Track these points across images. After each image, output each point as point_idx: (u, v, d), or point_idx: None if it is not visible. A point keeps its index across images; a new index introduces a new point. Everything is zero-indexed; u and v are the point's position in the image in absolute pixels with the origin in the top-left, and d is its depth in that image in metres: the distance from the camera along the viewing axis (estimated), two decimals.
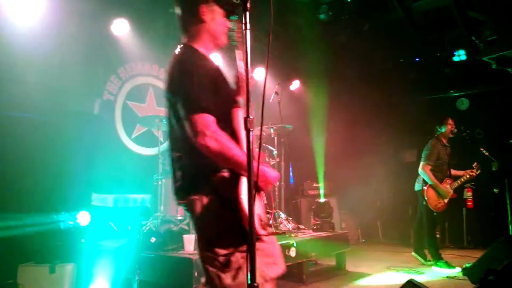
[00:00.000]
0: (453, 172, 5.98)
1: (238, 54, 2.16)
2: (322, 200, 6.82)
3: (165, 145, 6.66)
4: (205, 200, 1.87)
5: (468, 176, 5.88)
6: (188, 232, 4.43)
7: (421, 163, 5.82)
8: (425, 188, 5.73)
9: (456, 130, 5.95)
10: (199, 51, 2.05)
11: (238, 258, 1.82)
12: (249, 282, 1.59)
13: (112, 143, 6.07)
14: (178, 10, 2.16)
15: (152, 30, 6.43)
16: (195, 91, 1.87)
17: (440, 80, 8.45)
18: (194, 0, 2.08)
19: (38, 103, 5.06)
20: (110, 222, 5.26)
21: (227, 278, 1.82)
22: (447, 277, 5.19)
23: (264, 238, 1.93)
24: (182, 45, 2.10)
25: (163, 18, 6.45)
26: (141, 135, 6.46)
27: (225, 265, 1.82)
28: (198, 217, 1.91)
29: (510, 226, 5.97)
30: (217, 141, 1.79)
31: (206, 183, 1.88)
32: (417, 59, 8.58)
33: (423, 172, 5.75)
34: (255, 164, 1.72)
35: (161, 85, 6.91)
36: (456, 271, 5.36)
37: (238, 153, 1.81)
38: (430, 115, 7.38)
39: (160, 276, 4.05)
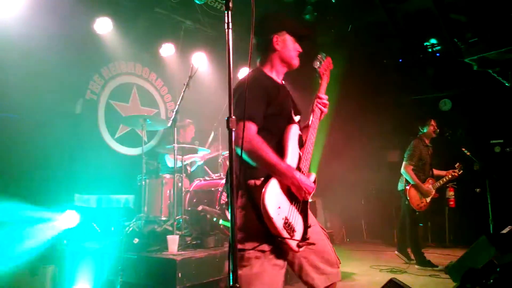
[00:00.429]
0: (436, 172, 6.05)
1: (321, 86, 2.55)
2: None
3: (149, 145, 6.63)
4: (240, 201, 2.12)
5: (450, 176, 5.95)
6: (172, 232, 4.39)
7: (403, 163, 5.87)
8: (407, 188, 5.78)
9: (438, 130, 6.01)
10: (264, 72, 2.35)
11: (252, 256, 2.04)
12: (230, 283, 1.65)
13: (95, 143, 6.01)
14: (253, 39, 2.35)
15: (136, 28, 6.37)
16: (246, 101, 2.07)
17: (423, 81, 8.53)
18: (267, 31, 2.36)
19: (20, 102, 4.98)
20: (93, 223, 5.19)
21: (240, 271, 2.01)
22: (430, 276, 5.24)
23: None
24: (253, 69, 2.38)
25: (146, 17, 6.41)
26: (124, 135, 6.40)
27: (240, 259, 2.03)
28: None
29: (491, 225, 6.06)
30: (250, 143, 2.03)
31: (243, 188, 2.13)
32: (400, 60, 8.65)
33: (405, 172, 5.80)
34: (295, 174, 2.07)
35: (145, 84, 6.86)
36: (439, 270, 5.42)
37: (270, 155, 2.05)
38: (413, 115, 7.45)
39: (143, 278, 3.99)
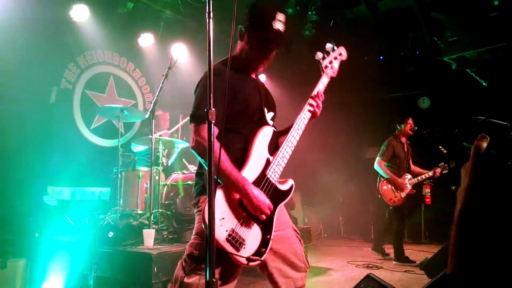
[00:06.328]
0: (417, 169, 6.03)
1: (322, 79, 2.32)
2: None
3: (125, 137, 6.50)
4: (201, 206, 2.08)
5: (430, 174, 5.92)
6: (148, 226, 4.32)
7: (376, 159, 5.92)
8: (380, 182, 5.83)
9: (416, 128, 6.02)
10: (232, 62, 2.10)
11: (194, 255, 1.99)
12: (207, 277, 1.57)
13: (70, 134, 5.87)
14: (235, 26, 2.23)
15: (114, 17, 6.21)
16: (199, 98, 2.04)
17: (402, 79, 8.60)
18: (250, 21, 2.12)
19: None
20: (67, 216, 5.06)
21: (189, 278, 1.97)
22: (405, 271, 5.29)
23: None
24: (223, 58, 2.23)
25: (125, 5, 6.24)
26: (100, 126, 6.26)
27: (195, 267, 1.97)
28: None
29: None
30: (204, 146, 1.88)
31: (202, 191, 2.12)
32: (381, 58, 8.69)
33: (378, 166, 5.86)
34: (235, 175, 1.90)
35: (123, 74, 6.72)
36: (415, 266, 5.48)
37: (222, 162, 1.85)
38: (392, 113, 7.50)
39: (118, 272, 3.92)
